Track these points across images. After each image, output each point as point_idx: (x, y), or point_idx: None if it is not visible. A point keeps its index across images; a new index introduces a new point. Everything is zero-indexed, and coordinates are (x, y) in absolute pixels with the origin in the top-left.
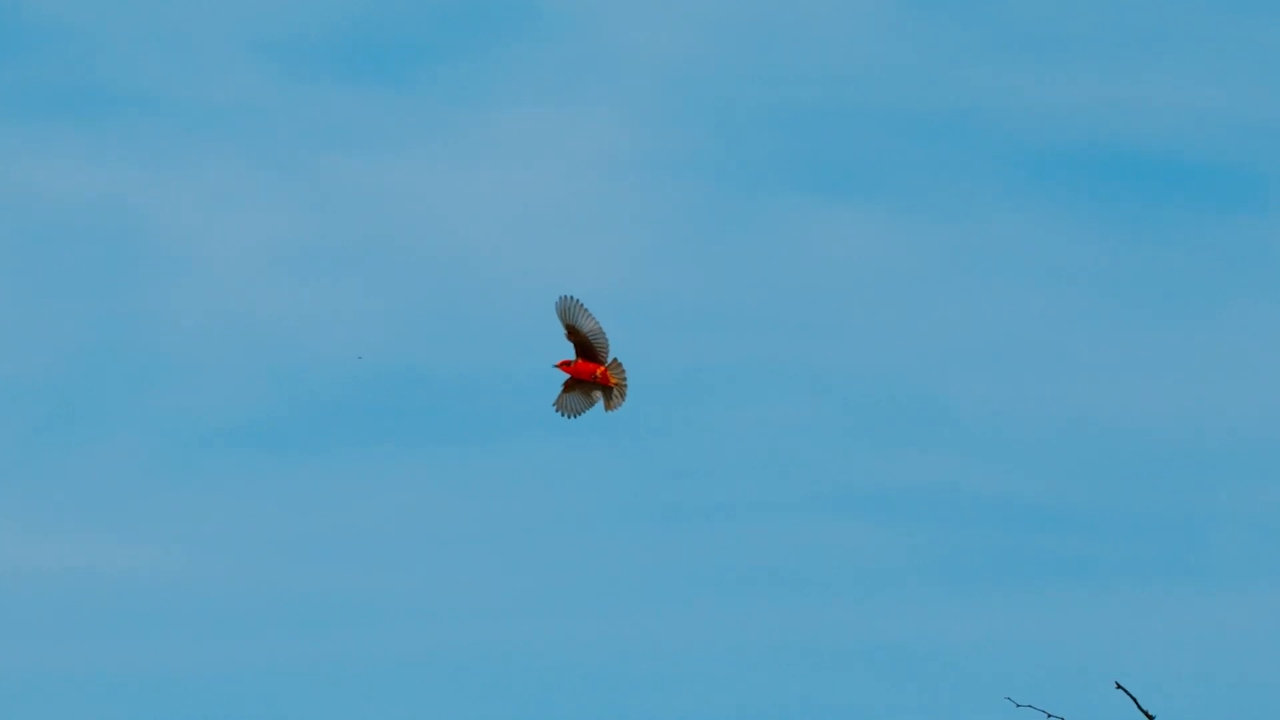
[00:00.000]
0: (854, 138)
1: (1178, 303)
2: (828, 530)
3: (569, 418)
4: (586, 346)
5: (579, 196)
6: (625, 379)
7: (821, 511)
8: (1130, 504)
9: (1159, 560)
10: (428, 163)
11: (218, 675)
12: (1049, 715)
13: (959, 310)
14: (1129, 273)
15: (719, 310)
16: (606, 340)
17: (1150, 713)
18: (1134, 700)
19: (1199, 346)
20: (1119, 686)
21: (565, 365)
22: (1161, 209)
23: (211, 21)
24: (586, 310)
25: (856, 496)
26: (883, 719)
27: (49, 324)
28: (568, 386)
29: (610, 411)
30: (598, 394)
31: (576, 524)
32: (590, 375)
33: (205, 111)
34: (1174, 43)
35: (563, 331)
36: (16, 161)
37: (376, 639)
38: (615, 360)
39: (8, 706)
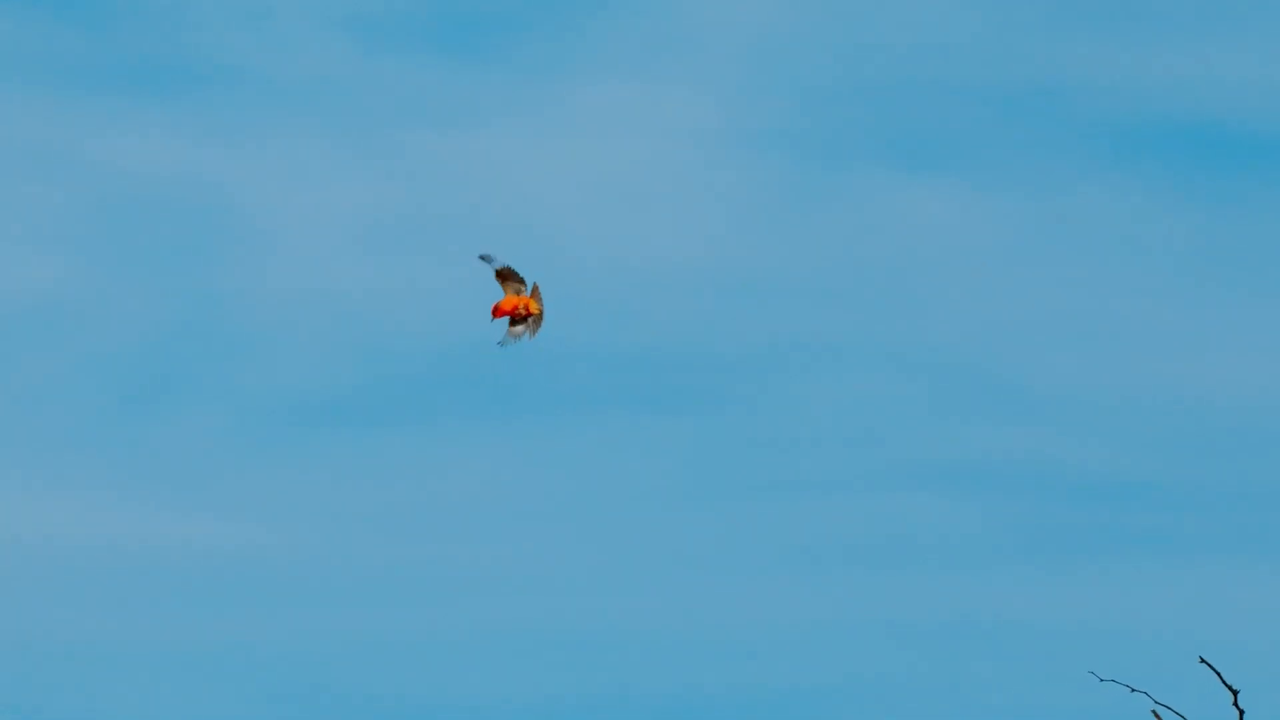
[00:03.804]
0: (939, 112)
1: (1263, 277)
2: (910, 505)
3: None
4: (509, 281)
5: (662, 171)
6: (542, 302)
7: (904, 486)
8: (1215, 478)
9: (1243, 534)
10: (511, 137)
11: (303, 648)
12: (1132, 690)
13: (1043, 285)
14: (1213, 247)
15: (802, 284)
16: (523, 277)
17: (1235, 687)
18: (1218, 675)
19: None
20: (1203, 661)
21: (498, 310)
22: (1247, 183)
23: None
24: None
25: (939, 471)
26: (965, 693)
27: (133, 299)
28: (511, 321)
29: (533, 339)
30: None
31: (659, 497)
32: (515, 310)
33: (288, 86)
34: (1261, 16)
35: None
36: (101, 136)
37: (460, 612)
38: (534, 286)
39: (94, 678)
